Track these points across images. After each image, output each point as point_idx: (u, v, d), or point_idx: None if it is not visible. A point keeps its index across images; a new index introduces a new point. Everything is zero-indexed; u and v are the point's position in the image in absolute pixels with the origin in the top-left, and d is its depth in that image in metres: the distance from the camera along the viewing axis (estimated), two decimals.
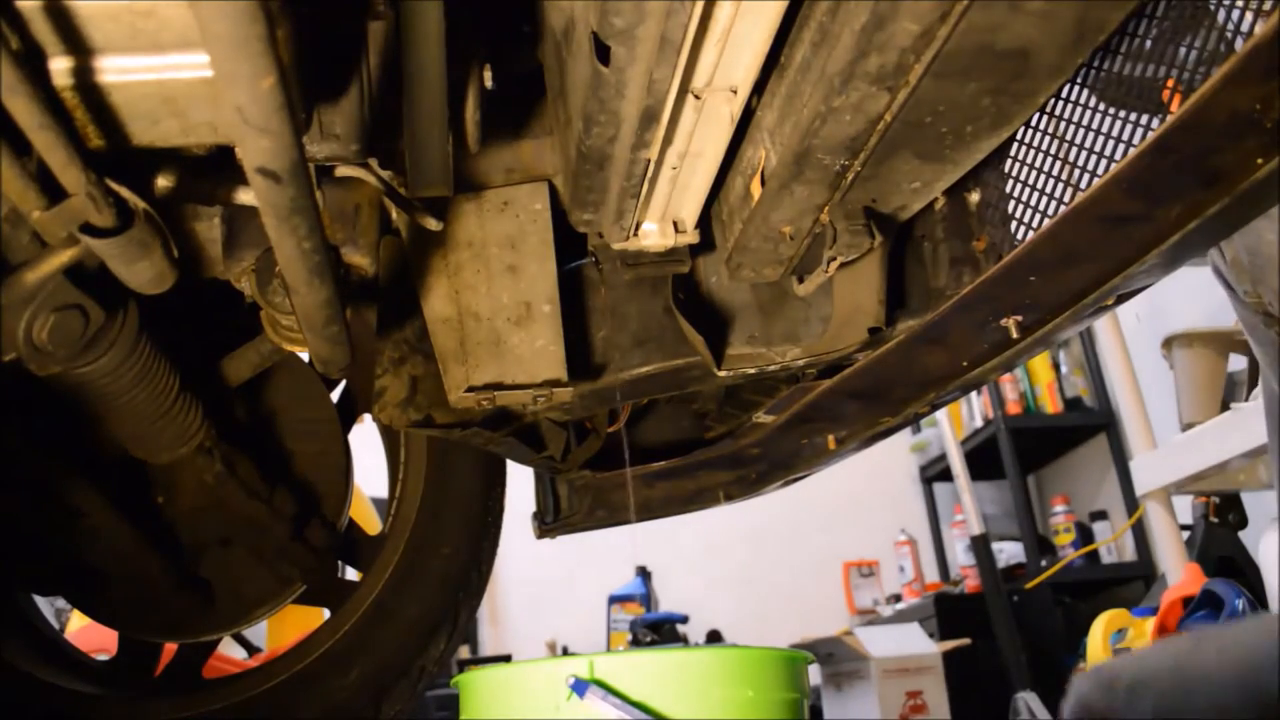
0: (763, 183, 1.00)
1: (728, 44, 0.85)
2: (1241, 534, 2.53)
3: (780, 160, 0.96)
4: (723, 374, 1.26)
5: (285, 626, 2.62)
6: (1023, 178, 1.08)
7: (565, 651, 4.39)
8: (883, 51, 0.79)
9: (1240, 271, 1.58)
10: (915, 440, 5.05)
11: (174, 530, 1.43)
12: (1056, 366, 4.51)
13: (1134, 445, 2.79)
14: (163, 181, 0.95)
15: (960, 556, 4.61)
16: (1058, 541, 4.29)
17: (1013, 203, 1.10)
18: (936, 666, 3.06)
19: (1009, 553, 4.33)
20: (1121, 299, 1.01)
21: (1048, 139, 1.04)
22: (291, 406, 1.52)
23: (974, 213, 1.17)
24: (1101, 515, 4.29)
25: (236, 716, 1.39)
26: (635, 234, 1.10)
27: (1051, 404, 4.45)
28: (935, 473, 5.00)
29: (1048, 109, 1.03)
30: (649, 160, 0.96)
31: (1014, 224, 1.09)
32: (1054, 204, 1.02)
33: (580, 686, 1.02)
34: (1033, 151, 1.06)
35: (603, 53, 0.82)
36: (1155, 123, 0.89)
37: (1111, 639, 2.14)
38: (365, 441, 1.69)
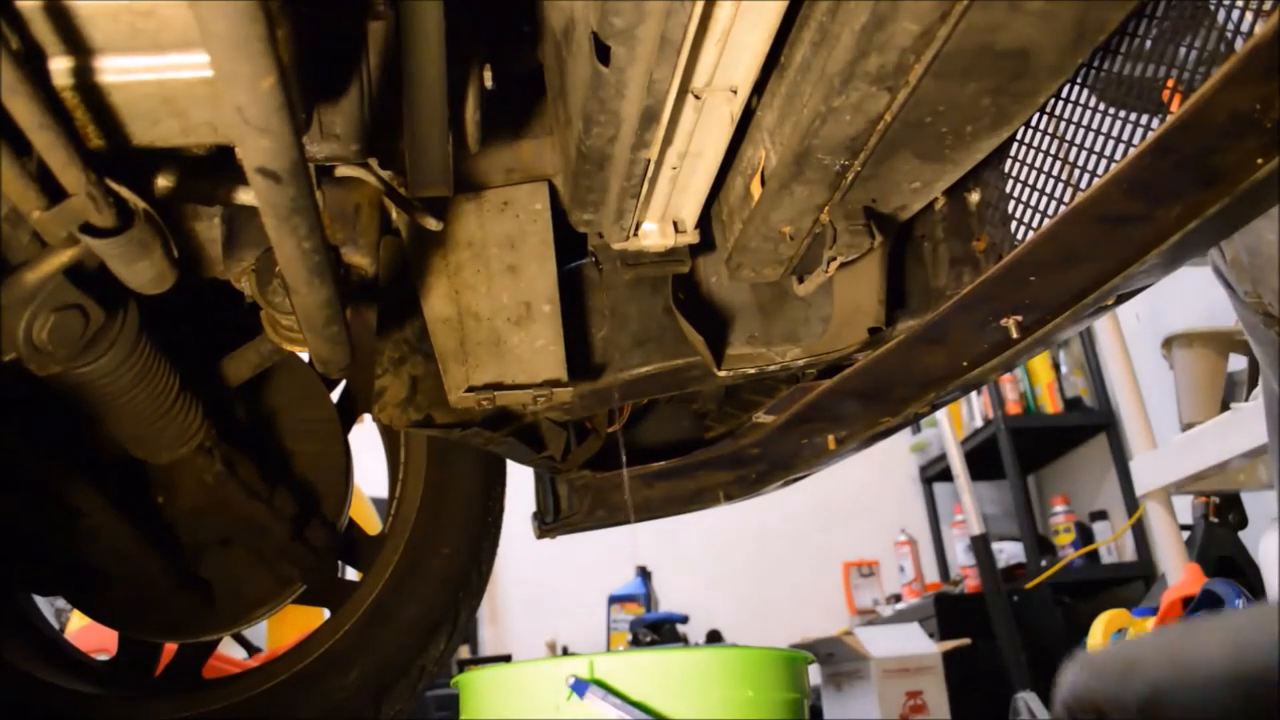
0: (763, 183, 1.00)
1: (728, 44, 0.85)
2: (1241, 534, 2.53)
3: (780, 160, 0.96)
4: (723, 374, 1.26)
5: (285, 626, 2.62)
6: (1023, 178, 1.08)
7: (565, 651, 4.39)
8: (883, 51, 0.79)
9: (1240, 271, 1.58)
10: (915, 440, 5.05)
11: (174, 530, 1.43)
12: (1056, 366, 4.51)
13: (1134, 445, 2.79)
14: (163, 181, 0.95)
15: (960, 556, 4.61)
16: (1058, 541, 4.29)
17: (1013, 203, 1.10)
18: (936, 666, 3.06)
19: (1009, 553, 4.33)
20: (1121, 299, 1.01)
21: (1048, 139, 1.04)
22: (291, 406, 1.52)
23: (974, 213, 1.17)
24: (1101, 515, 4.30)
25: (236, 716, 1.39)
26: (635, 234, 1.10)
27: (1051, 404, 4.45)
28: (935, 473, 5.00)
29: (1048, 109, 1.03)
30: (649, 160, 0.96)
31: (1014, 224, 1.09)
32: (1054, 204, 1.02)
33: (580, 686, 1.02)
34: (1033, 151, 1.06)
35: (603, 53, 0.82)
36: (1155, 123, 0.89)
37: (1112, 639, 2.14)
38: (365, 441, 1.69)
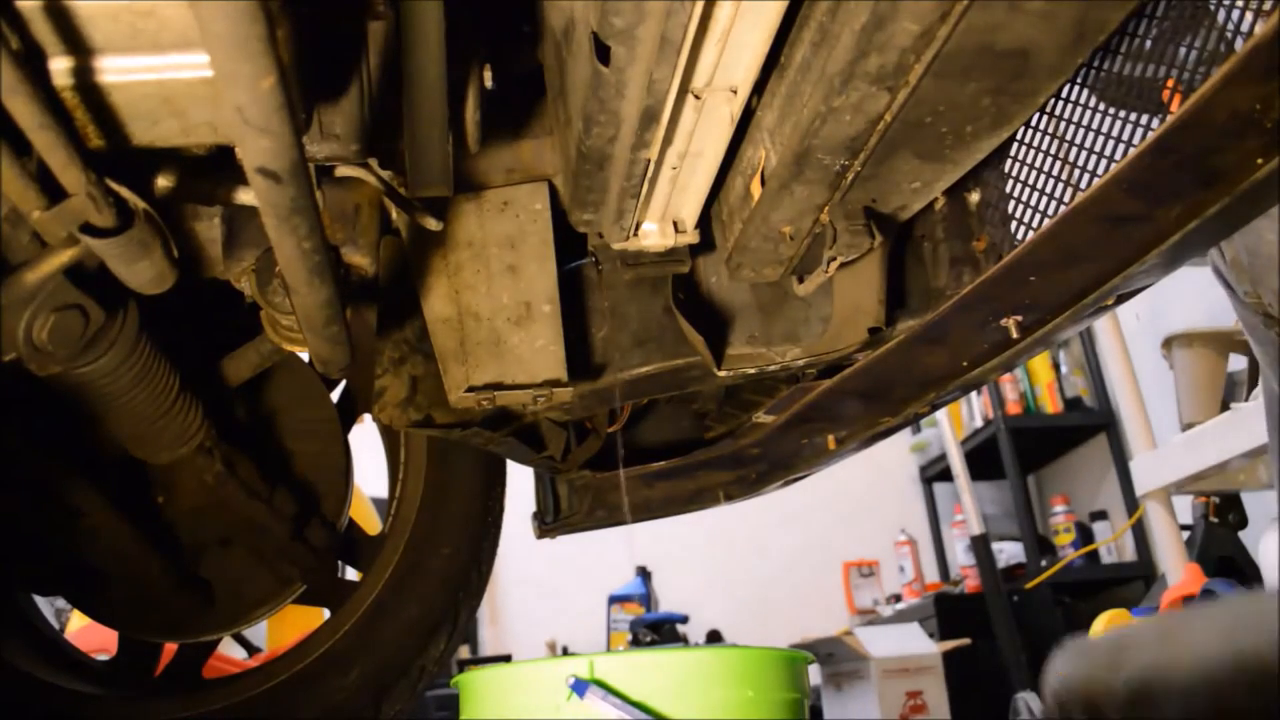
0: (763, 183, 1.00)
1: (728, 44, 0.85)
2: (1241, 534, 2.53)
3: (780, 160, 0.96)
4: (723, 374, 1.26)
5: (285, 626, 2.63)
6: (1023, 178, 1.08)
7: (565, 651, 4.39)
8: (883, 51, 0.79)
9: (1240, 271, 1.58)
10: (915, 440, 5.05)
11: (174, 530, 1.43)
12: (1056, 366, 4.51)
13: (1134, 445, 2.79)
14: (163, 181, 0.95)
15: (960, 556, 4.61)
16: (1058, 541, 4.29)
17: (1013, 203, 1.10)
18: (936, 666, 3.06)
19: (1009, 553, 4.34)
20: (1121, 299, 1.01)
21: (1048, 139, 1.04)
22: (291, 406, 1.52)
23: (974, 213, 1.17)
24: (1101, 515, 4.30)
25: (236, 716, 1.39)
26: (635, 234, 1.10)
27: (1051, 404, 4.45)
28: (935, 473, 5.00)
29: (1048, 109, 1.03)
30: (649, 160, 0.96)
31: (1014, 224, 1.09)
32: (1054, 204, 1.02)
33: (580, 686, 1.02)
34: (1033, 151, 1.06)
35: (603, 53, 0.82)
36: (1155, 123, 0.89)
37: None
38: (365, 441, 1.69)
